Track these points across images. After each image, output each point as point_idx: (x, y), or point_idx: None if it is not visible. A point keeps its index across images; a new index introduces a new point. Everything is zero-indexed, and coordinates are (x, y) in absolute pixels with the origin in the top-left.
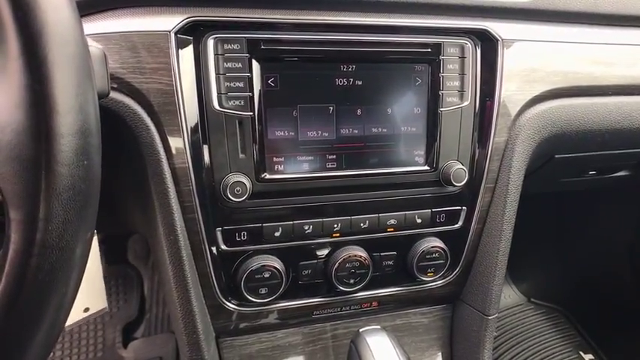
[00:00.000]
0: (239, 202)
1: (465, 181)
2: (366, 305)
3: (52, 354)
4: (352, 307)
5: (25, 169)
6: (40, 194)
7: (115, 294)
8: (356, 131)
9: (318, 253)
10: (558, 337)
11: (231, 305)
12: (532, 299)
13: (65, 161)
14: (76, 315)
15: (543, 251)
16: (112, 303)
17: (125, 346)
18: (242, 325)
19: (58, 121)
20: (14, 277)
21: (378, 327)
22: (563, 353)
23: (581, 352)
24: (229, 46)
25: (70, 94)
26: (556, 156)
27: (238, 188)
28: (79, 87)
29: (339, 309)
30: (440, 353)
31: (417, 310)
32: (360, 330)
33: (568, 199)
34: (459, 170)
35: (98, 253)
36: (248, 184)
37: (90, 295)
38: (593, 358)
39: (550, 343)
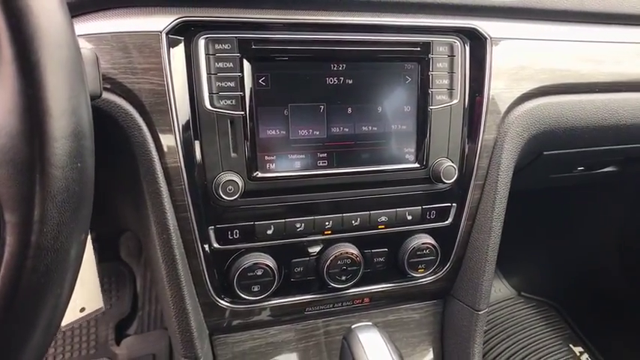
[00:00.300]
0: (231, 200)
1: (454, 178)
2: (357, 301)
3: None
4: (344, 304)
5: (20, 172)
6: (34, 197)
7: (108, 291)
8: (347, 129)
9: (310, 250)
10: (549, 330)
11: (224, 303)
12: (522, 293)
13: (59, 164)
14: (72, 315)
15: (534, 245)
16: (105, 300)
17: (118, 343)
18: (235, 323)
19: (52, 125)
20: (10, 279)
21: (370, 323)
22: (554, 346)
23: (571, 345)
24: (220, 46)
25: (62, 98)
26: (544, 153)
27: (230, 187)
28: (71, 90)
29: (331, 305)
30: (431, 348)
31: (408, 305)
32: (352, 326)
33: (558, 195)
34: (448, 167)
35: (93, 254)
36: (240, 183)
37: (86, 296)
38: (582, 350)
39: (540, 336)
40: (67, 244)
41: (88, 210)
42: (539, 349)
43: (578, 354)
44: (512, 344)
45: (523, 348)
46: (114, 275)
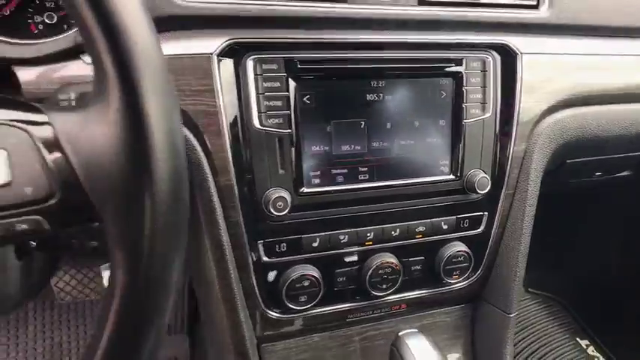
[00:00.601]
0: (281, 215)
1: (488, 189)
2: (395, 308)
3: None
4: (383, 310)
5: (129, 210)
6: (143, 234)
7: None
8: (386, 144)
9: (352, 260)
10: (556, 324)
11: (272, 313)
12: (530, 289)
13: (165, 200)
14: None
15: (541, 244)
16: None
17: None
18: (282, 331)
19: (159, 167)
20: (122, 311)
21: (416, 330)
22: (561, 340)
23: (577, 339)
24: (268, 66)
25: (168, 140)
26: (568, 161)
27: (280, 203)
28: (174, 130)
29: (371, 312)
30: (463, 351)
31: (441, 310)
32: (400, 333)
33: (565, 196)
34: (482, 178)
35: None
36: (288, 199)
37: None
38: (589, 343)
39: (548, 330)
40: (171, 274)
41: (186, 238)
42: (547, 342)
43: (584, 347)
44: (523, 338)
45: (532, 342)
46: None
